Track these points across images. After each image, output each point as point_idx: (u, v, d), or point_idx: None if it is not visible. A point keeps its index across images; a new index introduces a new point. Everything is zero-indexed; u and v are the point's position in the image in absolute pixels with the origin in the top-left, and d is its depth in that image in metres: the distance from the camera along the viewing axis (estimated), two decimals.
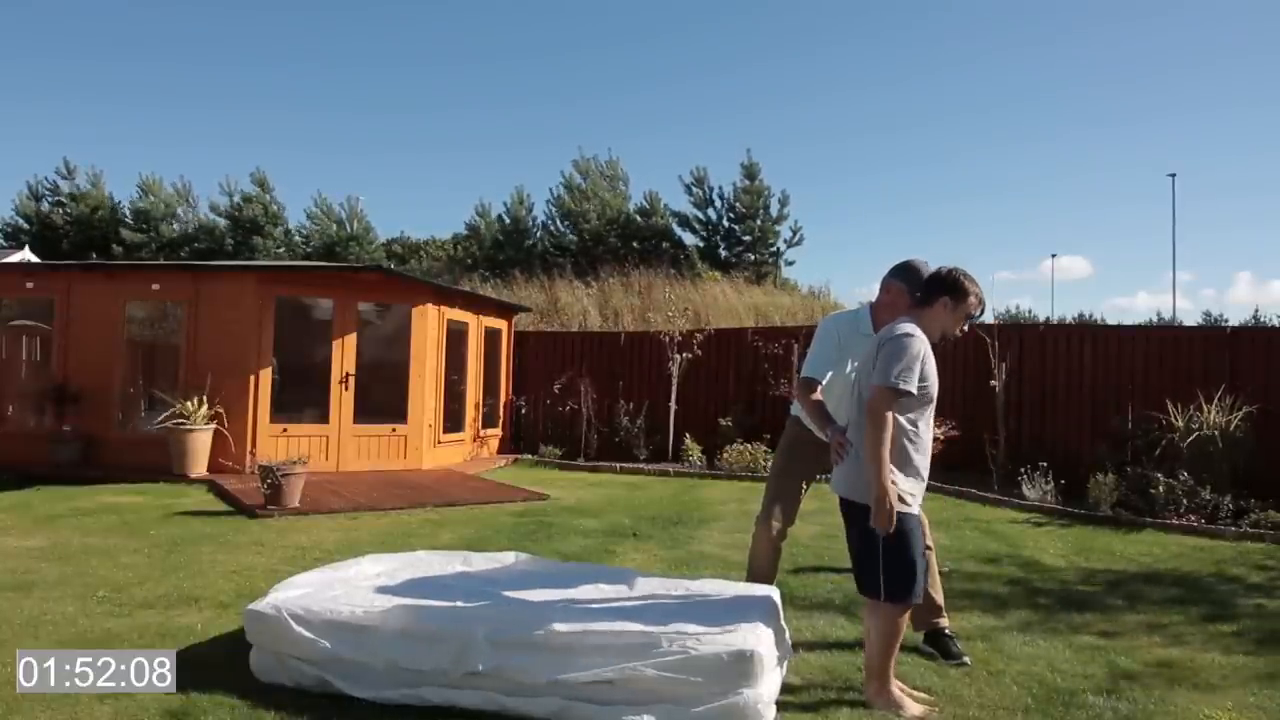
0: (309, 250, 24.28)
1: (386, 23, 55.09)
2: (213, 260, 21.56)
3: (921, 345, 3.08)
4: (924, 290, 3.30)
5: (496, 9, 54.99)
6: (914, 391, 3.03)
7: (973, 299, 3.23)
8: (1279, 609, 4.75)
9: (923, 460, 3.19)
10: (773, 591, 3.55)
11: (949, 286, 3.22)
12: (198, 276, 9.99)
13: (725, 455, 10.56)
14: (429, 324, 10.50)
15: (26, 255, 20.16)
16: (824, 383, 3.74)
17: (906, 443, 3.13)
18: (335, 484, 8.55)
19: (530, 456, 11.74)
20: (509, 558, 4.10)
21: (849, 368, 3.76)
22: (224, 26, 51.42)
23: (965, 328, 3.35)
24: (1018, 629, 4.21)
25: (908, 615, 3.22)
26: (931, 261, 3.64)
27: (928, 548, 3.79)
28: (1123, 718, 3.16)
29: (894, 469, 3.11)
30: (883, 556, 3.07)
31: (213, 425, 8.98)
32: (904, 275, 3.66)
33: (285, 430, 9.50)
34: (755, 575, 3.99)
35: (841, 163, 52.96)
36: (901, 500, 3.07)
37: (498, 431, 12.43)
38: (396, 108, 53.70)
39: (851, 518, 3.21)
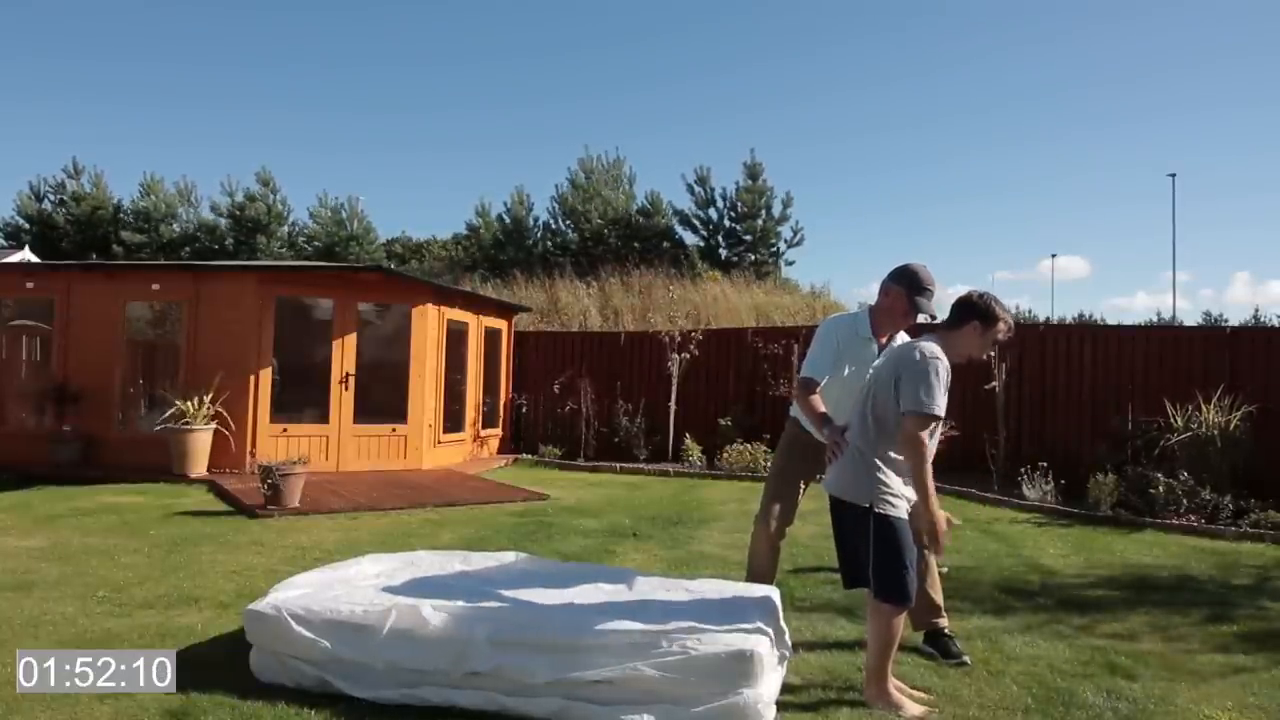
0: (311, 250, 24.28)
1: (387, 23, 55.15)
2: (213, 260, 21.56)
3: (946, 369, 3.12)
4: (954, 313, 3.31)
5: (497, 9, 55.05)
6: (942, 415, 3.07)
7: (1002, 325, 3.25)
8: (1279, 609, 4.75)
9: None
10: (772, 591, 3.55)
11: (980, 312, 3.24)
12: (198, 276, 9.99)
13: (725, 455, 10.56)
14: (429, 324, 10.50)
15: (26, 255, 20.15)
16: (822, 384, 3.74)
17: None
18: (335, 484, 8.55)
19: (530, 456, 11.74)
20: (509, 558, 4.10)
21: (846, 370, 3.78)
22: (226, 27, 51.48)
23: (990, 353, 3.38)
24: (1018, 629, 4.21)
25: (904, 617, 3.23)
26: (930, 263, 3.66)
27: (926, 548, 3.80)
28: (1123, 718, 3.16)
29: (892, 473, 3.13)
30: (873, 559, 3.09)
31: (213, 425, 8.98)
32: (902, 279, 3.67)
33: (285, 430, 9.50)
34: (755, 575, 3.99)
35: (842, 163, 53.03)
36: (892, 503, 3.10)
37: (498, 431, 12.43)
38: (397, 108, 53.81)
39: (841, 517, 3.24)
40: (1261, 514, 7.05)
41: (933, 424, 3.08)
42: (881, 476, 3.12)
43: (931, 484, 3.07)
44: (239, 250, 24.06)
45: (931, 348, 3.14)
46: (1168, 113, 56.20)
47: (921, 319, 3.68)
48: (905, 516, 3.16)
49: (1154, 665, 3.74)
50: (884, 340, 3.77)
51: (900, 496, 3.14)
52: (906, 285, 3.63)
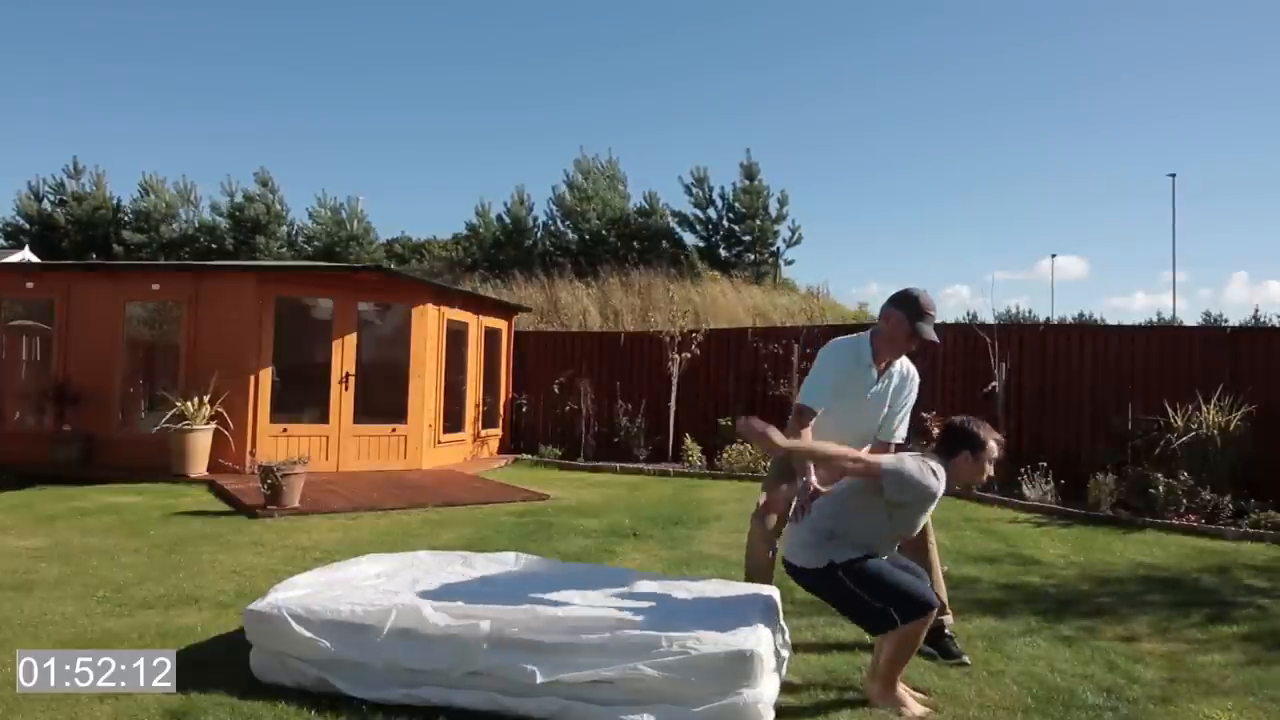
0: (310, 250, 24.27)
1: (387, 23, 55.13)
2: (213, 260, 21.55)
3: (941, 489, 3.17)
4: (943, 444, 3.32)
5: (496, 10, 55.02)
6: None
7: (992, 444, 3.28)
8: (1279, 609, 4.75)
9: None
10: (772, 592, 3.54)
11: (966, 440, 3.27)
12: (198, 276, 9.99)
13: (725, 455, 10.57)
14: (429, 324, 10.50)
15: (26, 255, 20.14)
16: (819, 413, 3.72)
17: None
18: (335, 484, 8.54)
19: (530, 456, 11.74)
20: (509, 558, 4.09)
21: (843, 398, 3.75)
22: (226, 27, 51.46)
23: (991, 472, 3.39)
24: (1018, 629, 4.21)
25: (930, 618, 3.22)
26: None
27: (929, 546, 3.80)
28: (1122, 718, 3.16)
29: (845, 536, 3.22)
30: (871, 603, 3.11)
31: (213, 425, 8.97)
32: (903, 304, 3.67)
33: (285, 430, 9.50)
34: (754, 575, 3.98)
35: (840, 162, 53.04)
36: (845, 549, 3.17)
37: (498, 431, 12.43)
38: (397, 107, 53.79)
39: (810, 586, 3.28)
40: (1261, 514, 7.06)
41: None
42: (832, 539, 3.19)
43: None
44: (239, 250, 24.03)
45: (935, 469, 3.18)
46: (1168, 113, 56.23)
47: (928, 336, 3.65)
48: (863, 552, 3.18)
49: (1154, 665, 3.74)
50: (883, 366, 3.77)
51: (853, 542, 3.18)
52: (907, 311, 3.64)
